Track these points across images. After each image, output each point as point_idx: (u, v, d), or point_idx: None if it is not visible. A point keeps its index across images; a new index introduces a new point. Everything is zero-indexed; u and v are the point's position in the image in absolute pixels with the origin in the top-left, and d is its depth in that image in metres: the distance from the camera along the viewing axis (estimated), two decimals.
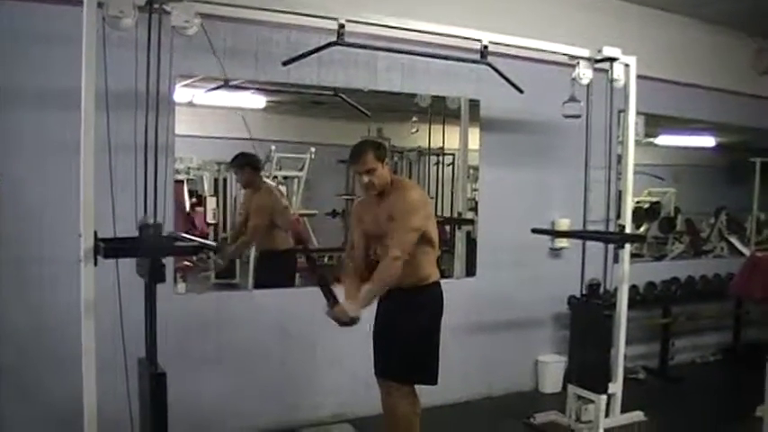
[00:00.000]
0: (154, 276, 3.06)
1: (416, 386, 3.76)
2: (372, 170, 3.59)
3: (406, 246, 3.53)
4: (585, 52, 4.62)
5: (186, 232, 4.61)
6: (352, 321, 3.51)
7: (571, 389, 4.85)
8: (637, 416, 4.94)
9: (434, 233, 3.75)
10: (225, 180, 5.61)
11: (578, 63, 4.64)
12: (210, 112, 4.97)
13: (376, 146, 3.72)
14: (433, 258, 3.79)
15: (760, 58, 7.08)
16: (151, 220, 3.13)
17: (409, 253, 3.58)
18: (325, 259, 5.96)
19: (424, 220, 3.61)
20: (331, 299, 3.55)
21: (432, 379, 3.74)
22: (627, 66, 4.75)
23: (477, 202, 5.61)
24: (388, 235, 3.63)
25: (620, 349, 4.84)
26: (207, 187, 5.54)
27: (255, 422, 4.65)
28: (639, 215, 6.92)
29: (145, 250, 3.14)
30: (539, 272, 5.75)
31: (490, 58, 4.27)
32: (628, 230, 4.89)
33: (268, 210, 5.18)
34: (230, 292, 5.09)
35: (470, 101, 5.43)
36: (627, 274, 4.84)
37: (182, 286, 4.61)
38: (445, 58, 4.43)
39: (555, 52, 4.60)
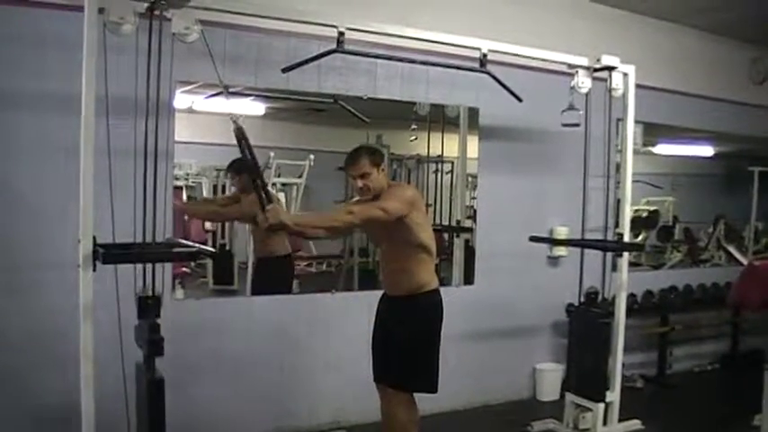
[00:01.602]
0: (152, 349, 3.08)
1: (415, 394, 3.76)
2: (366, 174, 3.61)
3: (363, 212, 3.54)
4: (584, 61, 4.64)
5: (184, 238, 4.61)
6: (277, 226, 3.32)
7: (569, 397, 4.85)
8: (634, 424, 4.95)
9: (431, 240, 3.76)
10: (224, 186, 5.60)
11: (577, 72, 4.66)
12: (210, 118, 4.96)
13: (371, 151, 3.74)
14: (431, 266, 3.79)
15: (756, 67, 7.10)
16: (150, 292, 3.14)
17: (402, 259, 3.61)
18: (324, 266, 5.97)
19: (400, 209, 3.56)
20: (265, 200, 3.32)
21: (431, 387, 3.74)
22: (625, 75, 4.76)
23: (475, 210, 5.62)
24: (387, 238, 3.66)
25: (618, 357, 4.85)
26: (206, 193, 5.54)
27: (253, 428, 4.64)
28: (638, 224, 6.93)
29: (143, 257, 3.14)
30: (537, 280, 5.75)
31: (489, 67, 4.29)
32: (626, 239, 4.90)
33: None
34: (228, 298, 5.09)
35: (469, 109, 5.44)
36: (625, 282, 4.85)
37: (180, 292, 4.61)
38: (445, 66, 4.44)
39: (554, 61, 4.62)
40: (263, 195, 3.31)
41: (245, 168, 5.02)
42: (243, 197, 5.21)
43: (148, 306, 3.14)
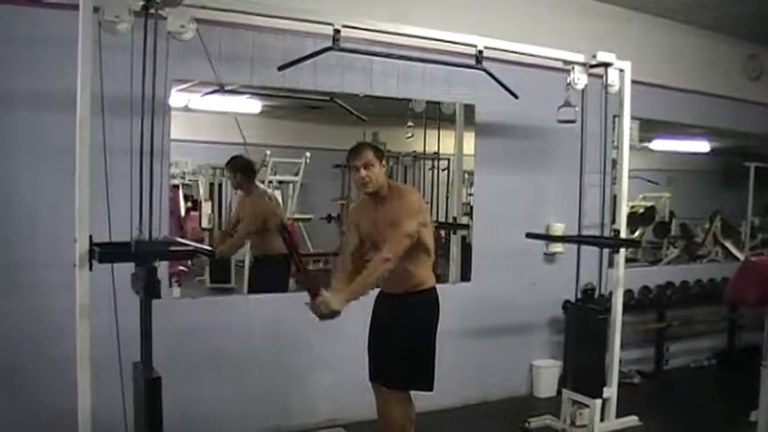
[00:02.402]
0: (149, 291, 3.07)
1: (412, 392, 3.76)
2: (370, 165, 3.59)
3: (398, 250, 3.53)
4: (580, 57, 4.64)
5: (181, 237, 4.62)
6: (332, 314, 3.45)
7: (566, 393, 4.86)
8: (631, 420, 4.96)
9: (430, 240, 3.76)
10: (220, 185, 5.61)
11: (573, 68, 4.66)
12: (206, 116, 4.97)
13: (374, 146, 3.77)
14: (429, 265, 3.79)
15: (752, 63, 7.11)
16: (146, 236, 3.13)
17: (403, 258, 3.59)
18: (321, 264, 5.97)
19: (419, 225, 3.61)
20: (313, 289, 3.47)
21: (427, 385, 3.73)
22: (621, 71, 4.77)
23: (472, 207, 5.61)
24: (386, 240, 3.65)
25: (615, 354, 4.86)
26: (202, 192, 5.55)
27: (250, 426, 4.64)
28: (634, 220, 6.94)
29: (140, 255, 3.14)
30: (534, 276, 5.75)
31: (485, 64, 4.29)
32: (622, 235, 4.90)
33: (261, 215, 5.18)
34: (225, 296, 5.10)
35: (465, 106, 5.44)
36: (622, 278, 4.86)
37: (177, 291, 4.61)
38: (440, 63, 4.45)
39: (550, 57, 4.63)
40: (309, 287, 3.46)
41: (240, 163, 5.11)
42: (241, 205, 5.24)
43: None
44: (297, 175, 5.76)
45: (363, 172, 3.60)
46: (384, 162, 3.70)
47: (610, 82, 4.75)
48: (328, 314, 3.45)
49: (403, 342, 3.65)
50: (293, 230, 5.71)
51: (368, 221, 3.75)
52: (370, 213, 3.73)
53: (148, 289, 3.06)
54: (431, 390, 3.73)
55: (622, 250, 4.90)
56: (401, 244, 3.53)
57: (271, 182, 5.63)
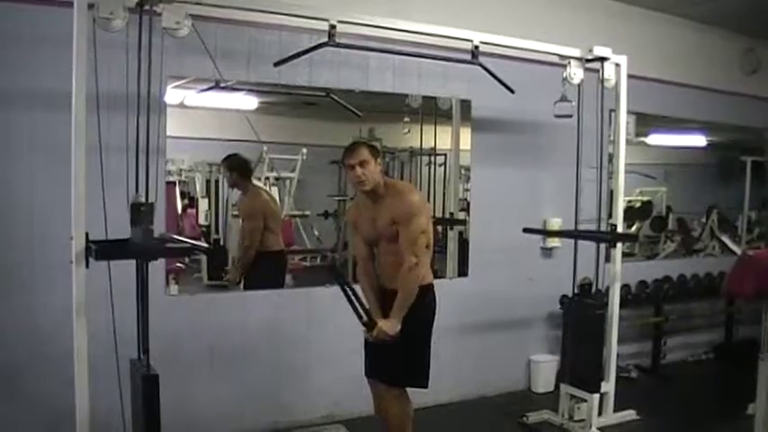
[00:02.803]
0: (146, 254, 3.11)
1: (408, 388, 3.77)
2: (365, 163, 3.59)
3: (418, 250, 3.59)
4: (576, 52, 4.64)
5: (178, 234, 4.61)
6: (392, 339, 3.57)
7: (564, 388, 4.87)
8: (629, 414, 4.97)
9: (430, 237, 3.76)
10: (217, 182, 5.60)
11: (569, 63, 4.66)
12: (202, 113, 4.96)
13: (369, 144, 3.77)
14: (428, 261, 3.79)
15: (748, 57, 7.11)
16: (143, 198, 3.13)
17: (402, 254, 3.61)
18: (317, 260, 5.97)
19: (426, 220, 3.66)
20: (369, 321, 3.59)
21: (422, 382, 3.74)
22: (617, 65, 4.77)
23: (468, 203, 5.61)
24: (386, 236, 3.66)
25: (613, 348, 4.87)
26: (199, 189, 5.54)
27: (248, 423, 4.64)
28: (631, 214, 6.94)
29: (137, 252, 3.14)
30: (531, 271, 5.75)
31: (481, 59, 4.28)
32: (619, 230, 4.91)
33: (260, 212, 5.17)
34: (222, 293, 5.08)
35: (462, 101, 5.43)
36: (619, 273, 4.86)
37: (174, 288, 4.60)
38: (436, 58, 4.44)
39: (546, 52, 4.62)
40: (365, 318, 3.59)
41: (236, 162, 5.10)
42: (240, 202, 5.24)
43: (142, 212, 3.13)
44: (293, 171, 5.75)
45: (359, 170, 3.59)
46: (380, 160, 3.70)
47: (606, 76, 4.75)
48: (389, 340, 3.57)
49: (399, 339, 3.65)
50: (289, 227, 5.70)
51: (366, 220, 3.75)
52: (368, 212, 3.73)
53: (146, 251, 3.10)
54: (425, 387, 3.74)
55: (619, 245, 4.90)
56: (419, 243, 3.60)
57: (267, 178, 5.62)
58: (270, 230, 5.17)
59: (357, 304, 3.57)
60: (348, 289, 3.54)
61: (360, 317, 3.57)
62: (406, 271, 3.57)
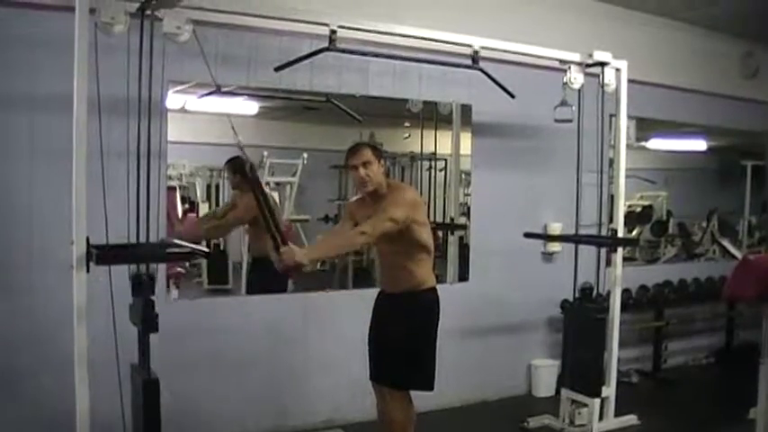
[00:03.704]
0: (147, 325, 3.06)
1: (412, 391, 3.76)
2: (368, 163, 3.60)
3: (376, 229, 3.48)
4: (577, 57, 4.65)
5: (178, 239, 4.61)
6: (296, 267, 3.33)
7: (564, 393, 4.86)
8: (630, 419, 4.96)
9: (429, 239, 3.76)
10: (217, 186, 5.59)
11: (569, 68, 4.67)
12: (203, 118, 4.96)
13: (373, 146, 3.78)
14: (429, 264, 3.80)
15: (747, 61, 7.12)
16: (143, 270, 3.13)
17: (402, 257, 3.62)
18: (318, 265, 5.96)
19: (406, 217, 3.56)
20: (279, 240, 3.34)
21: (427, 385, 3.74)
22: (618, 70, 4.78)
23: (469, 207, 5.62)
24: (387, 239, 3.66)
25: (614, 353, 4.86)
26: (199, 193, 5.53)
27: (248, 427, 4.63)
28: (631, 219, 6.95)
29: (137, 257, 3.14)
30: (531, 276, 5.75)
31: (482, 63, 4.29)
32: (620, 234, 4.91)
33: (255, 210, 5.15)
34: (223, 297, 5.08)
35: (462, 106, 5.44)
36: (619, 277, 4.86)
37: (174, 292, 4.60)
38: (437, 63, 4.45)
39: (546, 57, 4.63)
40: (277, 237, 3.31)
41: (240, 164, 5.08)
42: (238, 196, 5.22)
43: (142, 283, 3.13)
44: (294, 176, 5.74)
45: (362, 171, 3.60)
46: (382, 161, 3.70)
47: (606, 81, 4.76)
48: (292, 266, 3.32)
49: (403, 342, 3.65)
50: (290, 230, 5.69)
51: (364, 215, 3.75)
52: (367, 209, 3.73)
53: (146, 323, 3.06)
54: (431, 389, 3.74)
55: (620, 249, 4.90)
56: (382, 224, 3.49)
57: (268, 183, 5.61)
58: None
59: (273, 222, 3.35)
60: (262, 197, 3.34)
61: (272, 235, 3.36)
62: (355, 232, 3.51)
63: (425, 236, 3.72)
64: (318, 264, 5.88)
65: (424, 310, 3.74)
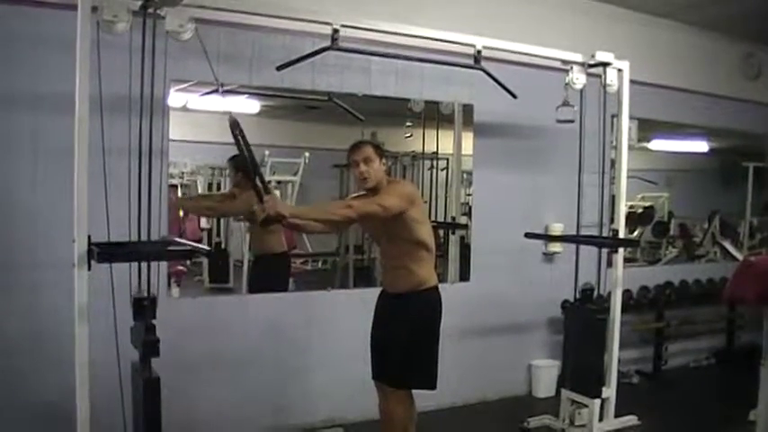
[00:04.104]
0: (148, 350, 3.06)
1: (414, 390, 3.76)
2: (369, 160, 3.62)
3: (362, 208, 3.52)
4: (579, 57, 4.65)
5: (179, 237, 4.61)
6: (276, 217, 3.28)
7: (565, 393, 4.86)
8: (630, 420, 4.96)
9: (429, 238, 3.76)
10: (219, 185, 5.59)
11: (571, 68, 4.67)
12: (205, 116, 4.95)
13: (375, 144, 3.79)
14: (431, 263, 3.80)
15: (750, 62, 7.11)
16: (146, 293, 3.13)
17: (404, 256, 3.63)
18: (319, 263, 5.97)
19: (398, 207, 3.56)
20: (263, 191, 3.32)
21: (430, 384, 3.75)
22: (620, 71, 4.77)
23: (470, 207, 5.61)
24: (386, 235, 3.67)
25: (614, 353, 4.86)
26: (201, 192, 5.53)
27: (249, 426, 4.63)
28: (633, 220, 6.94)
29: (138, 255, 3.14)
30: (532, 276, 5.75)
31: (484, 63, 4.29)
32: (621, 235, 4.90)
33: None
34: (224, 296, 5.08)
35: (464, 105, 5.45)
36: (620, 278, 4.86)
37: (176, 291, 4.60)
38: (439, 63, 4.44)
39: (548, 57, 4.63)
40: (261, 187, 3.30)
41: (243, 162, 5.08)
42: (239, 193, 5.21)
43: (144, 307, 3.12)
44: (296, 174, 5.74)
45: (363, 167, 3.62)
46: (384, 160, 3.71)
47: (608, 81, 4.76)
48: (273, 215, 3.27)
49: (405, 341, 3.66)
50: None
51: None
52: None
53: (147, 347, 3.05)
54: (433, 388, 3.75)
55: (621, 250, 4.90)
56: (369, 206, 3.53)
57: (270, 182, 5.61)
58: (272, 232, 5.16)
59: (257, 173, 3.35)
60: (246, 148, 3.33)
61: (255, 186, 3.32)
62: (339, 203, 3.60)
63: (425, 234, 3.73)
64: (320, 263, 5.89)
65: (426, 310, 3.74)
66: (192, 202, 5.34)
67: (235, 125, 3.25)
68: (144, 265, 3.14)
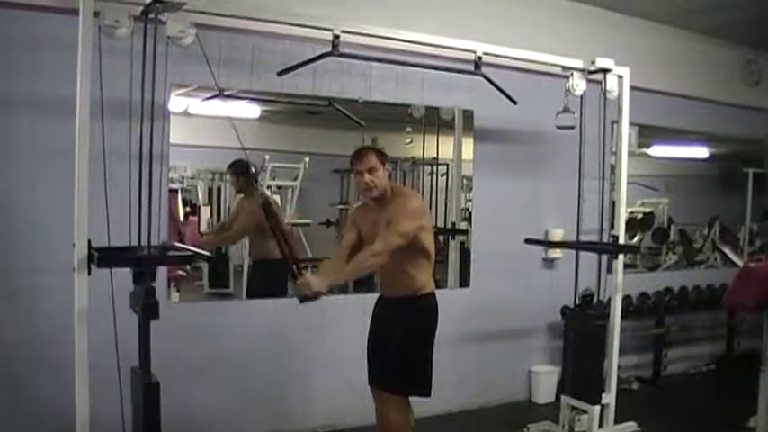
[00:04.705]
0: (147, 312, 3.06)
1: (410, 397, 3.76)
2: (374, 169, 3.61)
3: (390, 246, 3.49)
4: (579, 63, 4.65)
5: (180, 242, 4.61)
6: (314, 296, 3.38)
7: (564, 399, 4.85)
8: (630, 426, 4.95)
9: (431, 244, 3.76)
10: (219, 189, 5.60)
11: (572, 74, 4.67)
12: (205, 121, 4.96)
13: (378, 150, 3.76)
14: (429, 270, 3.80)
15: (750, 69, 7.13)
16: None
17: (403, 262, 3.61)
18: (319, 269, 5.95)
19: (416, 228, 3.59)
20: (296, 271, 3.44)
21: (425, 390, 3.73)
22: (620, 77, 4.77)
23: (470, 213, 5.62)
24: None
25: (614, 359, 4.85)
26: (201, 196, 5.54)
27: (248, 430, 4.63)
28: (633, 225, 6.93)
29: (138, 260, 3.14)
30: (532, 282, 5.75)
31: (484, 69, 4.29)
32: (621, 241, 4.90)
33: (258, 213, 5.17)
34: (224, 301, 5.08)
35: (464, 111, 5.45)
36: (620, 284, 4.85)
37: (175, 295, 4.60)
38: (439, 68, 4.44)
39: (548, 63, 4.63)
40: (294, 268, 3.43)
41: (243, 167, 5.11)
42: (241, 203, 5.24)
43: (144, 271, 3.12)
44: (296, 179, 5.74)
45: (367, 177, 3.61)
46: (387, 166, 3.71)
47: (608, 88, 4.76)
48: (311, 295, 3.37)
49: (402, 347, 3.65)
50: (291, 235, 5.69)
51: (367, 222, 3.76)
52: (371, 215, 3.73)
53: (146, 309, 3.05)
54: (428, 395, 3.73)
55: (621, 256, 4.89)
56: (394, 241, 3.50)
57: (270, 187, 5.61)
58: (271, 237, 5.16)
59: (288, 251, 3.47)
60: (280, 233, 3.45)
61: (290, 267, 3.45)
62: (369, 252, 3.51)
63: (428, 242, 3.73)
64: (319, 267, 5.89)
65: (423, 315, 3.74)
66: (222, 239, 5.41)
67: (268, 206, 3.51)
68: (144, 226, 3.14)
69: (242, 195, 5.32)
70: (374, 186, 3.62)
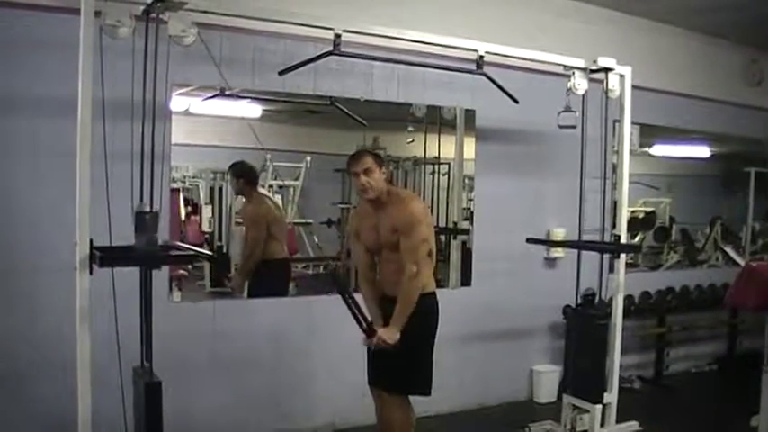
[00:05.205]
0: (150, 262, 3.10)
1: (411, 396, 3.76)
2: (370, 171, 3.62)
3: (419, 259, 3.60)
4: (581, 63, 4.64)
5: (181, 241, 4.62)
6: (393, 346, 3.58)
7: (566, 398, 4.85)
8: (632, 426, 4.95)
9: (432, 244, 3.77)
10: (221, 189, 5.60)
11: (573, 73, 4.66)
12: (207, 121, 4.97)
13: (374, 153, 3.80)
14: (430, 269, 3.80)
15: (752, 69, 7.12)
16: (147, 207, 3.14)
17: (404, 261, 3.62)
18: (320, 268, 5.96)
19: (428, 229, 3.69)
20: (369, 329, 3.62)
21: (425, 390, 3.74)
22: (622, 76, 4.77)
23: (472, 212, 5.61)
24: (388, 245, 3.66)
25: (616, 359, 4.85)
26: (203, 196, 5.54)
27: (250, 430, 4.63)
28: (635, 225, 6.92)
29: (141, 260, 3.14)
30: (534, 281, 5.75)
31: (486, 68, 4.28)
32: (623, 240, 4.90)
33: (263, 220, 5.18)
34: (225, 300, 5.08)
35: (466, 110, 5.45)
36: (622, 283, 4.85)
37: (177, 295, 4.60)
38: (441, 68, 4.44)
39: (550, 63, 4.62)
40: (365, 326, 3.62)
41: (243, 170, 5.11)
42: (243, 209, 5.25)
43: (146, 221, 3.13)
44: (297, 179, 5.75)
45: (363, 178, 3.62)
46: (384, 168, 3.72)
47: (610, 87, 4.75)
48: (390, 346, 3.58)
49: (403, 345, 3.65)
50: (293, 235, 5.70)
51: (368, 228, 3.77)
52: (370, 219, 3.74)
53: (149, 258, 3.09)
54: (428, 395, 3.74)
55: (623, 255, 4.89)
56: (419, 251, 3.61)
57: (271, 186, 5.62)
58: (274, 238, 5.17)
59: (357, 312, 3.57)
60: (348, 296, 3.54)
61: (360, 324, 3.58)
62: (406, 280, 3.59)
63: (430, 241, 3.73)
64: (321, 267, 5.90)
65: (423, 315, 3.73)
66: (244, 268, 5.28)
67: (336, 277, 3.85)
68: (147, 174, 3.19)
69: (243, 198, 5.33)
70: (370, 187, 3.64)
